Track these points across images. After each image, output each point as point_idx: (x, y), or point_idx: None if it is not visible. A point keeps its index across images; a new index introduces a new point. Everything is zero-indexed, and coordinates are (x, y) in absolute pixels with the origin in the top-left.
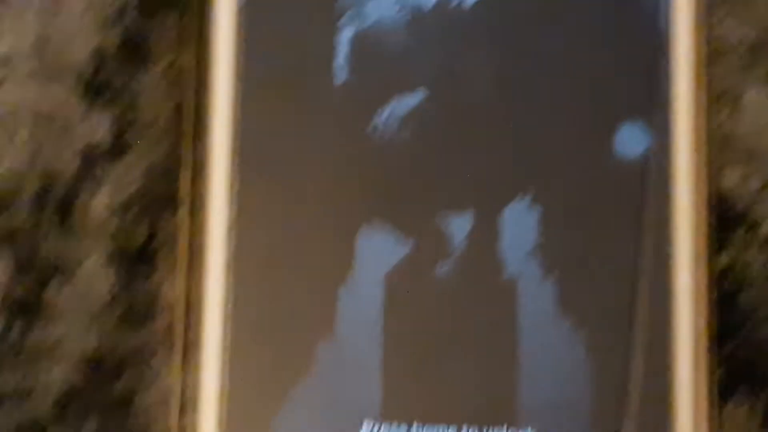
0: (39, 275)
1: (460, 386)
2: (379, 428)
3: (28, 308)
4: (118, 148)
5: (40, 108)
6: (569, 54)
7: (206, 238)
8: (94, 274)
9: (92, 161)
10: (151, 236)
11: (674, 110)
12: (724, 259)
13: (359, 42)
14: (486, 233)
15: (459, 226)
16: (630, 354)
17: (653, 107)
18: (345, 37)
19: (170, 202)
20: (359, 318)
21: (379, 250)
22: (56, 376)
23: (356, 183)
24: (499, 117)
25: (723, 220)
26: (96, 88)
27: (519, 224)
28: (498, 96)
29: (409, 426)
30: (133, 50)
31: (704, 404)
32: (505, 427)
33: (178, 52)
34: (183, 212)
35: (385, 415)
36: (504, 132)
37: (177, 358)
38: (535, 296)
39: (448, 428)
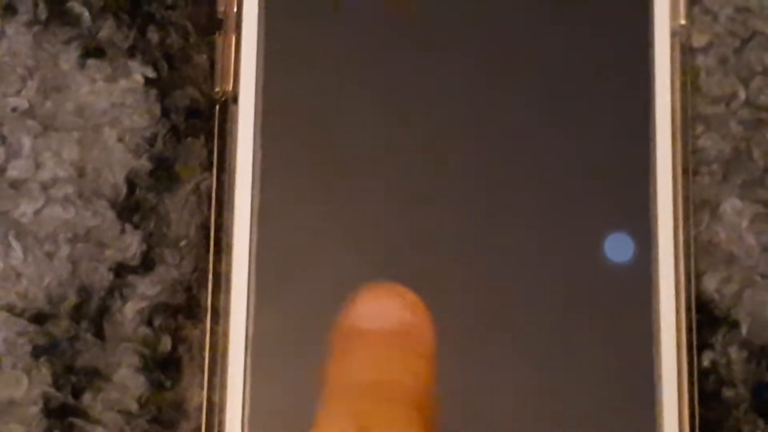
0: (76, 382)
1: None
2: None
3: (66, 413)
4: (147, 263)
5: (77, 228)
6: (561, 166)
7: (227, 347)
8: (126, 381)
9: (124, 276)
10: (175, 345)
11: (657, 220)
12: (706, 357)
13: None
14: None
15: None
16: None
17: (638, 217)
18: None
19: (192, 313)
20: None
21: None
22: None
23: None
24: (491, 221)
25: (705, 322)
26: (129, 209)
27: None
28: (492, 198)
29: None
30: (162, 174)
31: None
32: None
33: (203, 176)
34: (206, 322)
35: None
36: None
37: None
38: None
39: None
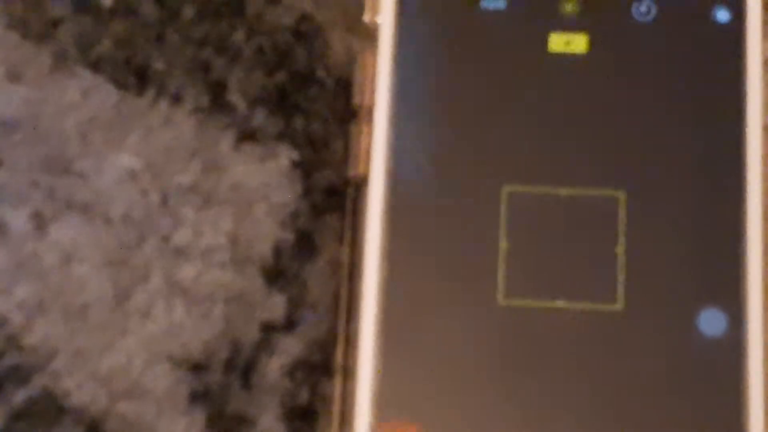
0: (225, 428)
1: None
2: None
3: None
4: (289, 323)
5: (231, 290)
6: (662, 247)
7: (355, 402)
8: (268, 429)
9: (269, 334)
10: (312, 397)
11: (750, 296)
12: None
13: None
14: None
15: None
16: None
17: (731, 293)
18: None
19: (327, 369)
20: None
21: None
22: None
23: (486, 352)
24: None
25: None
26: (275, 275)
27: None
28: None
29: None
30: (304, 245)
31: None
32: None
33: (338, 248)
34: (337, 379)
35: None
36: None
37: None
38: None
39: None
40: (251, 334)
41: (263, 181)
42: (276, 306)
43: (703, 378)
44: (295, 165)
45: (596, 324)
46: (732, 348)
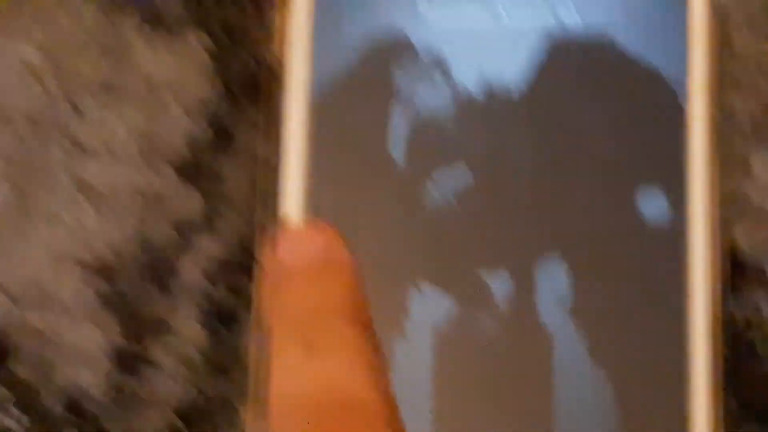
0: (140, 333)
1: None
2: None
3: (131, 361)
4: (206, 221)
5: (142, 189)
6: (598, 131)
7: None
8: (187, 332)
9: (185, 233)
10: (232, 299)
11: (690, 175)
12: (735, 302)
13: (416, 127)
14: (523, 289)
15: (499, 284)
16: (652, 399)
17: (672, 173)
18: (403, 123)
19: (248, 268)
20: (411, 369)
21: (428, 306)
22: (154, 420)
23: (410, 246)
24: (535, 187)
25: (735, 270)
26: (189, 171)
27: (551, 282)
28: (534, 169)
29: None
30: (220, 138)
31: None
32: None
33: (257, 140)
34: (259, 278)
35: None
36: (539, 200)
37: (254, 406)
38: (567, 346)
39: None
40: (166, 233)
41: (175, 71)
42: (192, 204)
43: (647, 262)
44: (210, 54)
45: None
46: (674, 232)
